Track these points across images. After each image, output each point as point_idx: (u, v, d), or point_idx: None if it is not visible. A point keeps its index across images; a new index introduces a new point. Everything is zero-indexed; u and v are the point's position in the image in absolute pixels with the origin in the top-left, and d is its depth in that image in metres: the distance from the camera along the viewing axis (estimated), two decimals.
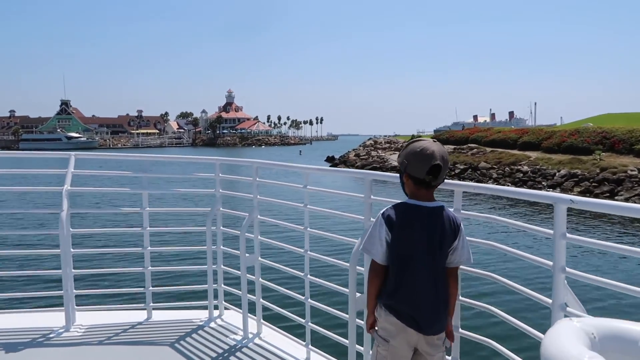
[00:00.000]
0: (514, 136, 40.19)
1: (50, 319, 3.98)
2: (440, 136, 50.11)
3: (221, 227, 4.18)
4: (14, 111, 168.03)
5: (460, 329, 2.61)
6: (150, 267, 4.17)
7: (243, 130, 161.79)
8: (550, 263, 2.10)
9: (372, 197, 3.00)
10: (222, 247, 4.20)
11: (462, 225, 2.36)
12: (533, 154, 34.59)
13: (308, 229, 3.51)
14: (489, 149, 39.30)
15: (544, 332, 2.14)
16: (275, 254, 5.33)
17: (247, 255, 3.78)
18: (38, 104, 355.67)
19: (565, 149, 33.06)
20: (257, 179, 3.87)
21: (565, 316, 2.05)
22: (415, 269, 2.28)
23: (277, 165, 4.10)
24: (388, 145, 54.69)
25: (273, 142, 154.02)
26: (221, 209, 4.17)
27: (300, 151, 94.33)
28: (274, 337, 3.83)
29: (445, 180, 2.49)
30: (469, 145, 42.32)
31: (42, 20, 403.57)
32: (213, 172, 4.17)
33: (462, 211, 2.54)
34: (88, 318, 4.04)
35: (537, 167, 31.20)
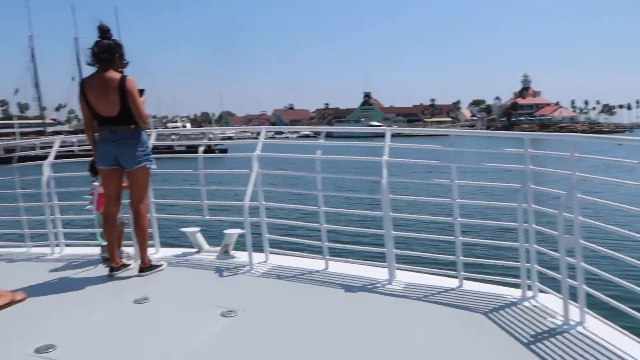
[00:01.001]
0: None
1: (375, 272, 4.56)
2: None
3: (533, 205, 4.01)
4: (327, 104, 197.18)
5: None
6: (460, 237, 4.31)
7: (542, 117, 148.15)
8: None
9: None
10: (534, 225, 4.03)
11: None
12: None
13: None
14: None
15: None
16: (601, 237, 4.84)
17: (565, 236, 3.51)
18: (348, 96, 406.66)
19: None
20: (576, 154, 3.56)
21: None
22: None
23: (601, 139, 3.70)
24: None
25: (581, 130, 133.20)
26: (532, 185, 4.00)
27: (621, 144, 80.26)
28: (600, 328, 3.46)
29: None
30: None
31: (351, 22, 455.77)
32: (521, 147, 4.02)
33: None
34: (406, 276, 4.45)
35: None
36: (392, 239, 4.42)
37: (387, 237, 4.40)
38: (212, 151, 25.63)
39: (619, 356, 3.04)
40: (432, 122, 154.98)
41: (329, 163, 5.15)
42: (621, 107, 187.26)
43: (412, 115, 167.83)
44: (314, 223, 4.94)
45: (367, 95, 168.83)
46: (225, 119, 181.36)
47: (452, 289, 4.25)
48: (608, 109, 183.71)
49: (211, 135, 7.72)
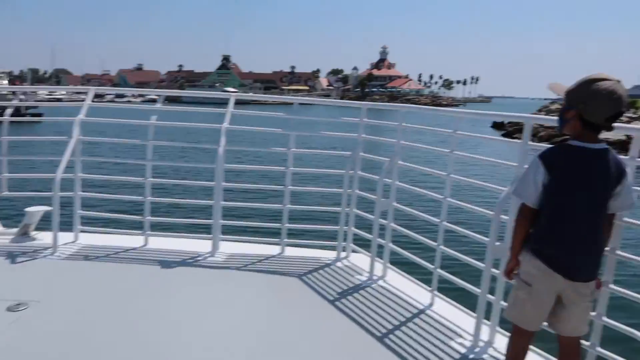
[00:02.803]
0: None
1: (198, 245, 4.39)
2: None
3: (359, 171, 4.18)
4: (182, 65, 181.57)
5: (610, 285, 2.41)
6: (288, 205, 4.37)
7: (393, 89, 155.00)
8: None
9: (529, 142, 2.81)
10: (357, 190, 4.22)
11: (627, 169, 2.17)
12: None
13: (451, 175, 3.41)
14: None
15: None
16: (411, 200, 5.23)
17: (382, 199, 3.78)
18: (205, 59, 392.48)
19: None
20: (403, 124, 3.81)
21: None
22: (574, 213, 2.14)
23: (426, 110, 3.96)
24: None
25: (424, 103, 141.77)
26: (362, 153, 4.20)
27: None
28: (399, 281, 3.84)
29: (624, 125, 2.35)
30: None
31: None
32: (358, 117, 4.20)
33: (637, 159, 2.32)
34: (230, 247, 4.38)
35: None
36: (220, 209, 4.28)
37: (215, 208, 4.27)
38: (23, 115, 22.07)
39: (410, 303, 3.44)
40: (289, 90, 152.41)
41: (168, 130, 4.72)
42: (458, 82, 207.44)
43: (270, 82, 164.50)
44: (138, 197, 4.54)
45: (225, 59, 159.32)
46: (57, 77, 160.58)
47: (273, 256, 4.31)
48: (448, 84, 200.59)
49: (22, 96, 6.58)
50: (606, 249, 2.33)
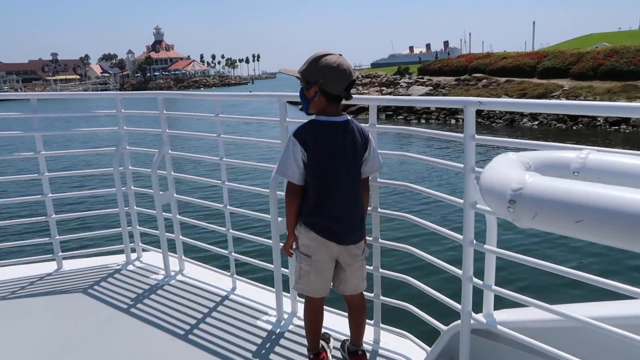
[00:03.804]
0: (531, 61, 33.16)
1: None
2: (431, 66, 42.93)
3: (129, 167, 3.93)
4: None
5: (380, 240, 2.67)
6: (54, 215, 3.90)
7: (177, 72, 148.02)
8: (462, 165, 2.14)
9: (287, 119, 2.93)
10: (132, 187, 3.99)
11: (370, 135, 2.40)
12: (564, 82, 28.64)
13: (224, 159, 3.39)
14: (502, 79, 32.52)
15: (456, 231, 2.25)
16: (191, 190, 5.20)
17: (160, 193, 3.61)
18: None
19: (605, 74, 27.48)
20: (165, 112, 3.63)
21: (476, 213, 2.13)
22: (335, 183, 2.30)
23: (185, 95, 3.87)
24: (369, 80, 44.28)
25: (212, 84, 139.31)
26: (128, 147, 3.91)
27: (251, 91, 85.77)
28: (197, 272, 3.78)
29: (358, 96, 2.53)
30: (475, 75, 34.91)
31: None
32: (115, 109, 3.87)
33: (377, 125, 2.54)
34: None
35: (579, 98, 24.26)
36: None
37: None
38: None
39: (211, 292, 3.43)
40: (56, 80, 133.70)
41: None
42: (241, 61, 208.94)
43: (28, 73, 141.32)
44: None
45: None
46: None
47: (50, 274, 3.84)
48: (231, 63, 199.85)
49: None
50: (369, 209, 2.55)
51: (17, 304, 3.38)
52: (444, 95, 32.82)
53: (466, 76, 35.78)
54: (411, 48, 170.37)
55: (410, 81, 39.21)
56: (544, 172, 1.42)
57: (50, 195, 3.83)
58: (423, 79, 39.15)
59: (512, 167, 1.46)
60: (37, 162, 3.81)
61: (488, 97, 26.07)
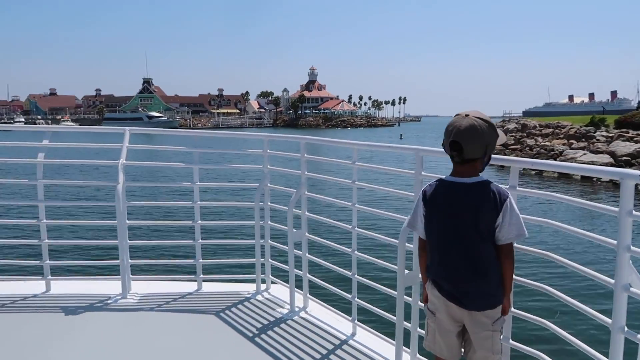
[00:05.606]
0: None
1: (107, 287, 4.18)
2: (635, 118, 35.75)
3: (269, 203, 4.22)
4: (99, 90, 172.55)
5: (512, 309, 2.48)
6: (200, 240, 4.28)
7: (327, 111, 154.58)
8: (614, 242, 1.96)
9: (422, 172, 2.93)
10: (269, 222, 4.26)
11: (509, 200, 2.19)
12: None
13: (356, 205, 3.49)
14: None
15: (604, 313, 2.04)
16: (323, 231, 5.36)
17: (294, 230, 3.81)
18: (124, 83, 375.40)
19: None
20: (305, 155, 3.87)
21: (629, 297, 1.92)
22: (446, 243, 2.25)
23: (325, 142, 4.07)
24: (551, 131, 39.53)
25: (359, 124, 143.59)
26: (269, 184, 4.22)
27: (402, 135, 79.23)
28: (320, 311, 3.87)
29: (501, 156, 2.47)
30: None
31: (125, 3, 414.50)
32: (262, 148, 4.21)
33: (517, 188, 2.41)
34: (142, 287, 4.21)
35: None
36: (127, 248, 4.10)
37: (121, 247, 4.06)
38: None
39: (331, 334, 3.47)
40: (219, 113, 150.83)
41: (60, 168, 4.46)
42: (387, 103, 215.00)
43: (197, 106, 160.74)
44: (34, 240, 4.22)
45: (146, 82, 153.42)
46: None
47: (190, 293, 4.20)
48: (377, 104, 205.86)
49: None
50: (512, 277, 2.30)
51: (161, 318, 3.76)
52: None
53: None
54: (571, 97, 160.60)
55: (611, 134, 33.77)
56: None
57: (200, 222, 4.24)
58: (628, 132, 32.90)
59: None
60: (192, 190, 4.23)
61: None
